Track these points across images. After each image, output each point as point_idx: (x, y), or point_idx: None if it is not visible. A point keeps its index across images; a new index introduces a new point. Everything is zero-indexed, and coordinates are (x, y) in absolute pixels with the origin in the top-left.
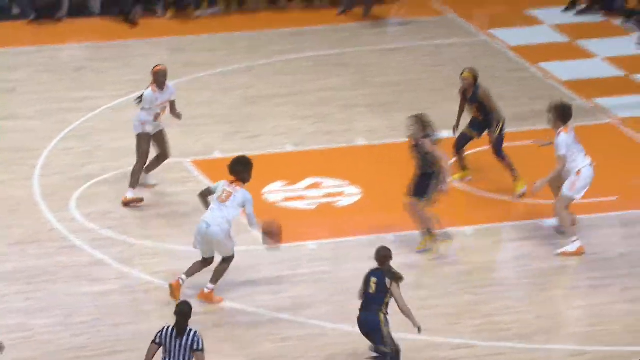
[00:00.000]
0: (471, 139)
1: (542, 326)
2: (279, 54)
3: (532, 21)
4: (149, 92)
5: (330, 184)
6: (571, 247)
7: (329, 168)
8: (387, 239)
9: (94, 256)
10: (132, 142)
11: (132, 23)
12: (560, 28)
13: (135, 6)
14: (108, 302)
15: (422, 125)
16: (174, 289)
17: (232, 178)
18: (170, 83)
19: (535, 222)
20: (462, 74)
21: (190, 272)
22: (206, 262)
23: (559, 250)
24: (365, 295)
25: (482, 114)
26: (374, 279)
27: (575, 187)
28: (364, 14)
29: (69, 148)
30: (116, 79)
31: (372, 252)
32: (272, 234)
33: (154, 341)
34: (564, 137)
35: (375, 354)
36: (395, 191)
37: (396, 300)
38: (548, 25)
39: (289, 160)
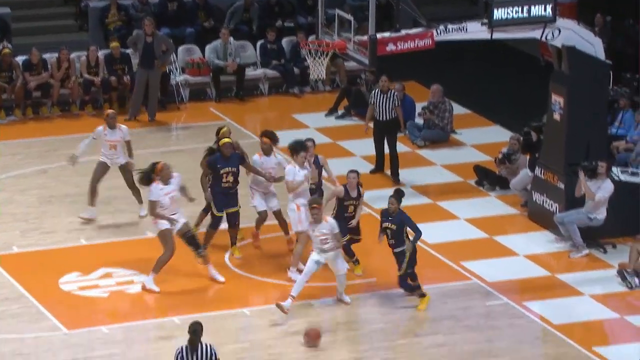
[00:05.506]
0: None
1: None
2: None
3: (299, 124)
4: None
5: (121, 274)
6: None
7: (120, 259)
8: (174, 321)
9: None
10: None
11: None
12: (323, 131)
13: None
14: None
15: None
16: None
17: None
18: None
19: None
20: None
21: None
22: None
23: None
24: None
25: None
26: None
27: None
28: (149, 120)
29: None
30: None
31: (159, 333)
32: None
33: None
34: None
35: None
36: (178, 276)
37: None
38: (313, 128)
39: (83, 253)
